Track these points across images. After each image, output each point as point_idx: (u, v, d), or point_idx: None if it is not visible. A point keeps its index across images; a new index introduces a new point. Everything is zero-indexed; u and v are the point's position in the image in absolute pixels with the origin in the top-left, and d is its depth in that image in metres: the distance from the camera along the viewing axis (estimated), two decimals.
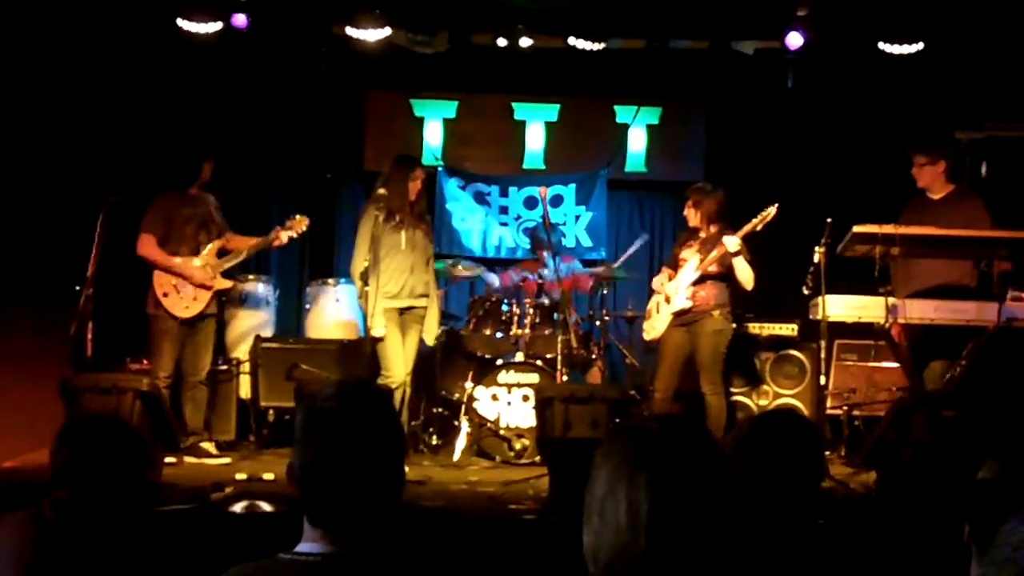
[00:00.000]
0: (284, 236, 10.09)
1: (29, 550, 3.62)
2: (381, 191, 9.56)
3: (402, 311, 9.78)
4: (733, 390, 10.75)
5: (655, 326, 9.93)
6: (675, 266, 9.93)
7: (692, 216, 9.79)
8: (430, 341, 10.14)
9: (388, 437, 2.84)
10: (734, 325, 9.87)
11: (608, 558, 2.21)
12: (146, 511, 4.13)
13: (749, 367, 10.97)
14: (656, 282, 10.15)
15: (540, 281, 11.18)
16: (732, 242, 9.38)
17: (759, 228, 9.42)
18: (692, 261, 9.66)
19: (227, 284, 10.06)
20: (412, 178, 9.88)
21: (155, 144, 11.67)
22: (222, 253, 9.97)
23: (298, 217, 10.19)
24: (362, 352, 10.02)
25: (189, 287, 9.70)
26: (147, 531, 3.83)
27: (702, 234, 9.76)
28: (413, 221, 9.87)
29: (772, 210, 9.35)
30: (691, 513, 2.19)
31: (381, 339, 9.61)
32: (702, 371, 9.64)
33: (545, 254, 11.28)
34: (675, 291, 9.71)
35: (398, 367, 9.69)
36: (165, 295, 9.63)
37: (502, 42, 12.00)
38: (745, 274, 9.55)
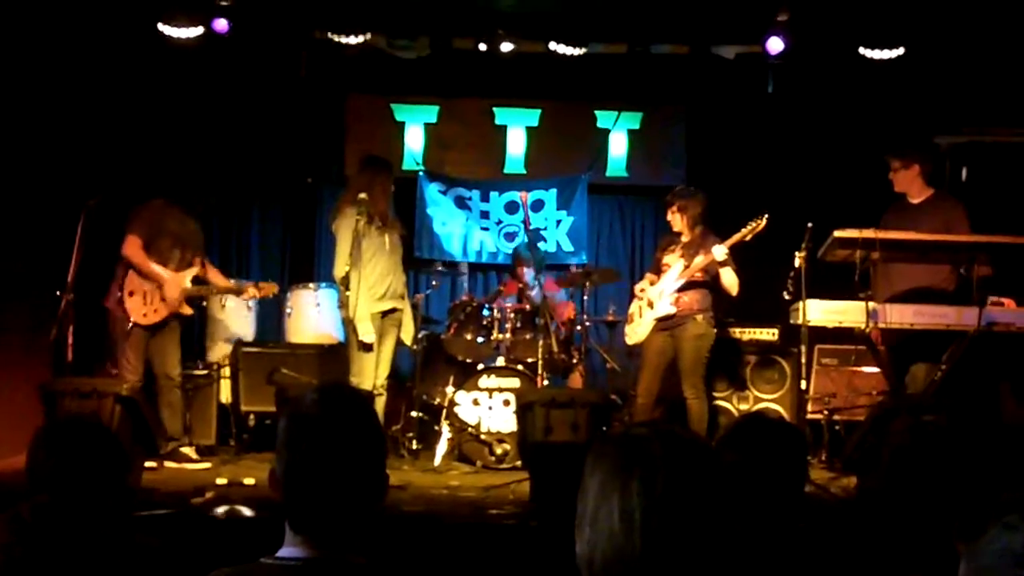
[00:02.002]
0: (252, 292, 10.17)
1: (6, 554, 3.61)
2: (363, 195, 9.51)
3: (384, 315, 9.75)
4: (714, 394, 10.76)
5: (637, 331, 9.94)
6: (658, 271, 9.94)
7: (677, 221, 9.81)
8: (409, 341, 10.09)
9: (370, 442, 2.84)
10: (715, 330, 9.89)
11: (603, 566, 2.22)
12: (126, 516, 4.12)
13: (730, 371, 10.98)
14: (639, 287, 10.18)
15: (526, 302, 11.19)
16: (720, 251, 9.43)
17: (748, 238, 9.45)
18: (676, 266, 9.67)
19: (188, 311, 10.01)
20: (392, 182, 9.91)
21: (136, 149, 11.67)
22: (196, 280, 9.98)
23: (268, 284, 10.31)
24: (342, 356, 10.01)
25: (157, 296, 9.67)
26: (126, 536, 3.81)
27: (684, 239, 9.77)
28: (391, 223, 9.87)
29: (763, 221, 9.37)
30: (685, 515, 2.20)
31: (370, 344, 9.59)
32: (684, 376, 9.66)
33: (526, 271, 11.30)
34: (658, 296, 9.74)
35: (369, 372, 9.65)
36: (131, 294, 9.58)
37: (483, 47, 11.99)
38: (730, 281, 9.61)
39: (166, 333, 9.86)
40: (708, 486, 2.25)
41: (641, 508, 2.18)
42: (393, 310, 9.83)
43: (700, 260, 9.53)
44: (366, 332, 9.52)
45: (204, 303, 10.78)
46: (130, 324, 9.60)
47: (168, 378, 9.84)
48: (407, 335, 10.03)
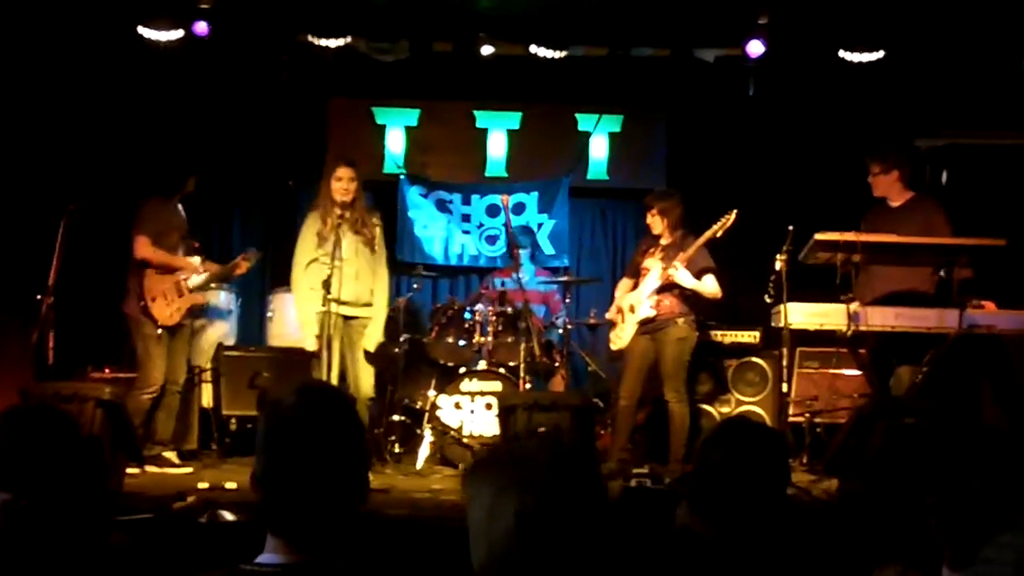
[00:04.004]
0: (244, 266, 10.22)
1: None
2: (338, 197, 9.49)
3: (346, 319, 9.66)
4: (695, 397, 10.75)
5: (621, 336, 9.94)
6: (637, 274, 9.95)
7: (657, 224, 9.81)
8: (371, 348, 9.94)
9: (350, 444, 2.83)
10: (697, 333, 9.89)
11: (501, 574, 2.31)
12: (103, 520, 4.11)
13: (711, 374, 10.99)
14: (619, 292, 10.19)
15: (503, 290, 11.18)
16: (679, 275, 9.50)
17: (719, 234, 9.47)
18: (655, 270, 9.68)
19: (200, 299, 10.09)
20: (336, 177, 9.65)
21: (117, 152, 11.65)
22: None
23: (255, 251, 10.39)
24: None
25: (175, 293, 9.71)
26: (102, 539, 3.80)
27: (664, 241, 9.78)
28: (355, 226, 9.70)
29: (732, 215, 9.40)
30: (567, 525, 2.29)
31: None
32: (666, 378, 9.67)
33: (521, 253, 11.25)
34: (639, 300, 9.74)
35: (321, 374, 9.48)
36: (153, 299, 9.60)
37: (463, 50, 11.99)
38: (710, 290, 9.63)
39: (180, 339, 9.94)
40: (587, 495, 2.35)
41: (526, 519, 2.28)
42: (356, 317, 9.71)
43: (657, 280, 9.62)
44: (308, 335, 9.52)
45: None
46: (159, 331, 9.63)
47: (173, 383, 9.87)
48: (369, 341, 9.83)
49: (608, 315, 10.26)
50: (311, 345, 9.54)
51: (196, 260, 9.98)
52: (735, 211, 9.41)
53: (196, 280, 9.97)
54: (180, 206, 10.04)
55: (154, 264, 9.65)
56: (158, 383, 9.59)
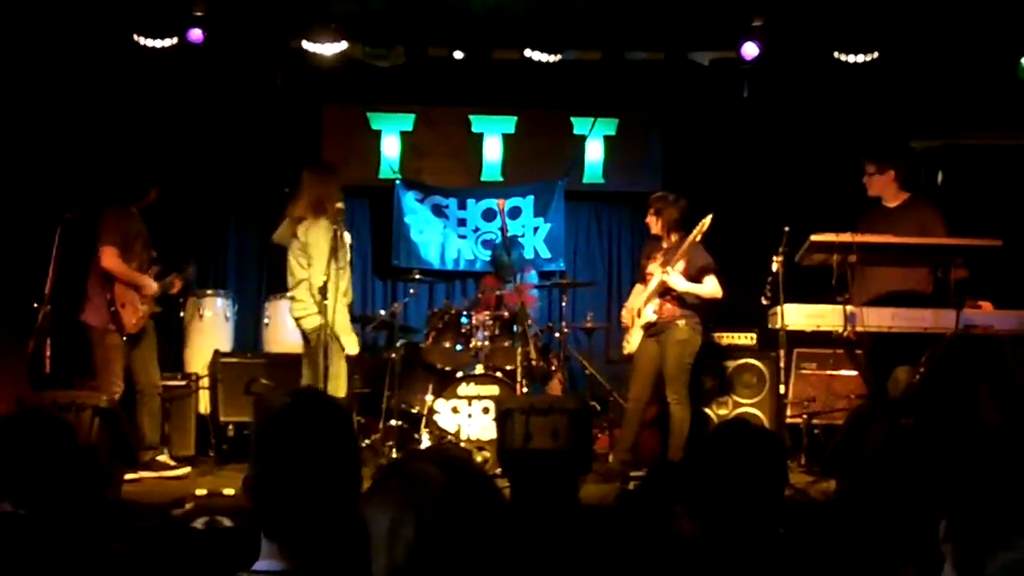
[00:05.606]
0: (179, 285, 10.34)
1: None
2: (340, 205, 9.40)
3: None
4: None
5: (631, 340, 9.97)
6: (644, 279, 9.97)
7: (654, 224, 9.84)
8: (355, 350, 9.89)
9: (341, 448, 2.83)
10: (700, 336, 9.86)
11: None
12: (102, 528, 4.10)
13: (709, 376, 10.98)
14: (632, 296, 10.22)
15: (500, 294, 11.17)
16: (672, 279, 9.50)
17: (698, 239, 9.47)
18: (656, 274, 9.69)
19: (156, 308, 10.05)
20: (339, 186, 9.63)
21: (110, 160, 11.63)
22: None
23: (191, 265, 10.69)
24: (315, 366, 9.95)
25: (138, 301, 9.70)
26: (99, 548, 3.79)
27: (664, 244, 9.79)
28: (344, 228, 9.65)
29: (707, 220, 9.39)
30: (464, 540, 2.40)
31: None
32: (667, 380, 9.69)
33: (504, 264, 11.26)
34: (643, 304, 9.76)
35: (345, 382, 9.52)
36: (123, 306, 9.59)
37: (458, 55, 11.98)
38: (708, 291, 9.63)
39: (146, 341, 9.91)
40: (485, 518, 2.45)
41: (427, 539, 2.37)
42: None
43: (656, 285, 9.63)
44: (352, 344, 9.44)
45: (181, 313, 10.86)
46: (124, 336, 9.64)
47: (153, 386, 9.90)
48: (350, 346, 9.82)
49: (623, 321, 10.27)
50: (356, 348, 9.56)
51: (154, 270, 9.96)
52: (710, 215, 9.38)
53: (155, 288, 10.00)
54: (140, 217, 10.01)
55: (117, 275, 9.63)
56: (121, 389, 9.58)
